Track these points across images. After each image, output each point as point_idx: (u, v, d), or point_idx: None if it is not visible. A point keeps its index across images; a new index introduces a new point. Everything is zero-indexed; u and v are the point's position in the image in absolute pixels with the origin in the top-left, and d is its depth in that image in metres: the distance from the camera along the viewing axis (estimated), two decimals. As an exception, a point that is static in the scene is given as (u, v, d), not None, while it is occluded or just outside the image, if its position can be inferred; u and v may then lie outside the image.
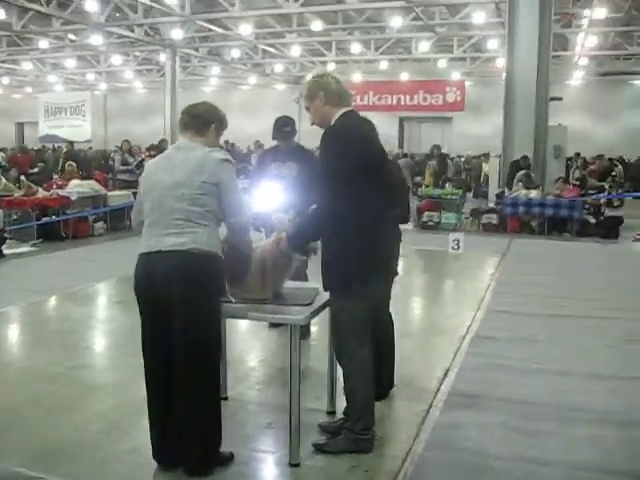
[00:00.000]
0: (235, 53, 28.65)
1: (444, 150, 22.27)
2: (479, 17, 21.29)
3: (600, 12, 20.89)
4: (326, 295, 3.96)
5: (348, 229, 3.64)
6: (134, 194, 14.43)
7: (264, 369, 5.46)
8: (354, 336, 3.78)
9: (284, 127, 5.94)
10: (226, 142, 24.33)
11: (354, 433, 3.86)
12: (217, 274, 3.57)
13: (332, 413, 4.42)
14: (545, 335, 6.41)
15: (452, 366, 5.44)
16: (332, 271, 3.74)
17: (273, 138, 6.05)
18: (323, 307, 3.92)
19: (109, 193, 13.92)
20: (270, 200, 5.57)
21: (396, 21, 22.42)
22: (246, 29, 22.96)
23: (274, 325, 6.10)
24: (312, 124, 3.95)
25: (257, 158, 6.48)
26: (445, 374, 5.25)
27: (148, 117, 36.21)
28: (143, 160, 14.40)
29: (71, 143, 20.09)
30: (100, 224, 13.25)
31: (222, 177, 3.48)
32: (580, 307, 7.55)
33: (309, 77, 3.92)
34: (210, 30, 24.32)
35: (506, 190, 15.06)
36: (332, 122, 3.78)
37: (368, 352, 3.82)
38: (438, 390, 4.89)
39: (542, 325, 6.79)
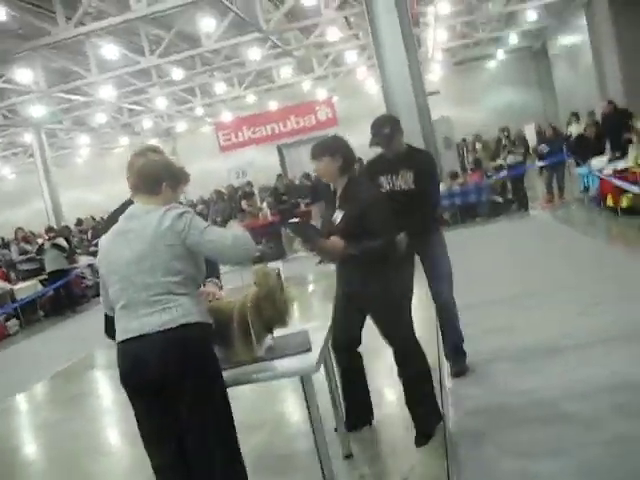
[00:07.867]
0: (101, 118, 27.89)
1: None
2: (333, 34, 21.70)
3: (444, 7, 21.72)
4: (320, 337, 3.73)
5: None
6: (41, 282, 13.63)
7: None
8: None
9: (382, 129, 4.84)
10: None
11: None
12: (211, 344, 3.22)
13: (349, 457, 4.12)
14: (520, 321, 6.34)
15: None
16: None
17: (371, 145, 4.96)
18: (325, 348, 3.66)
19: (15, 287, 13.07)
20: None
21: (254, 53, 22.49)
22: (107, 91, 22.42)
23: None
24: None
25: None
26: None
27: (26, 201, 34.34)
28: (43, 245, 13.54)
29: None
30: (13, 321, 12.38)
31: (186, 232, 3.07)
32: (531, 286, 7.56)
33: None
34: (71, 100, 23.54)
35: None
36: None
37: None
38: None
39: (510, 311, 6.78)
